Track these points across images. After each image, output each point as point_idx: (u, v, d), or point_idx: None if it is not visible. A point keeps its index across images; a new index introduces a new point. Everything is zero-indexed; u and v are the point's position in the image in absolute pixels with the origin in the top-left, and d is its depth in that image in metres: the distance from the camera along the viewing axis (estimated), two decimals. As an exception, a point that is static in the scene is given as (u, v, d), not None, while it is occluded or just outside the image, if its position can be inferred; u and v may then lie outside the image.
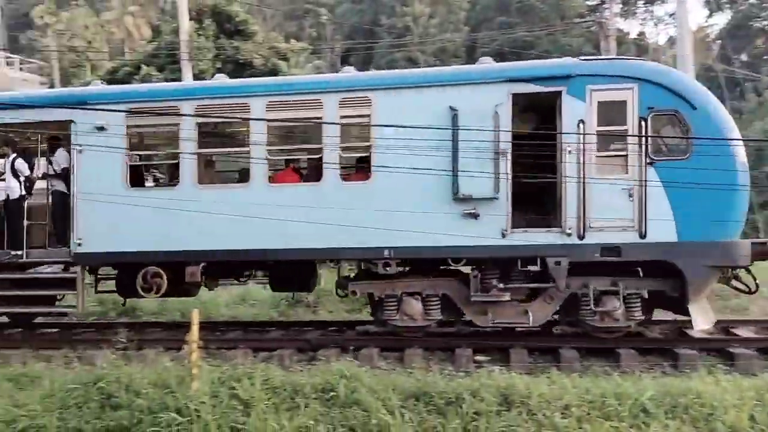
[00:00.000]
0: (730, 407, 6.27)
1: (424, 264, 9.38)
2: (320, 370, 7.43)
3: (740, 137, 8.74)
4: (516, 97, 8.76)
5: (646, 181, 8.39)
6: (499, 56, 12.91)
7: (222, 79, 10.37)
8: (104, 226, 9.52)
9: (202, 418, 6.35)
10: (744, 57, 42.14)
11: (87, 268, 10.09)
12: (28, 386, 7.51)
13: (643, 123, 8.44)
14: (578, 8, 40.64)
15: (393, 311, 9.25)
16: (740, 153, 8.50)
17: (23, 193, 10.36)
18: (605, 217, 8.48)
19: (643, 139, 8.38)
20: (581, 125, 8.49)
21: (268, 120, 9.18)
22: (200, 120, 9.45)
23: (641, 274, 8.98)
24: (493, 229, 8.69)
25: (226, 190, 9.68)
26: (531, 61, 10.35)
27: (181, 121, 9.41)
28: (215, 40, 23.36)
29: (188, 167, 9.45)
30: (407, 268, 9.48)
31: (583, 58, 9.04)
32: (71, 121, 9.63)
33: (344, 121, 9.10)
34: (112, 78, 22.79)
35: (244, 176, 9.71)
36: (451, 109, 8.73)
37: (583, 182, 8.46)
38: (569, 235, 8.57)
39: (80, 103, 9.65)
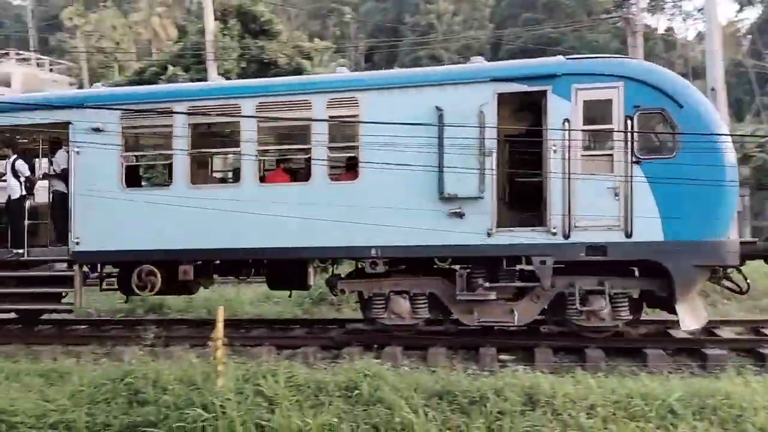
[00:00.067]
0: (760, 408, 6.15)
1: (412, 263, 9.44)
2: (344, 368, 7.45)
3: (728, 136, 8.65)
4: (501, 96, 8.77)
5: (632, 179, 8.33)
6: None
7: (215, 81, 10.62)
8: (100, 226, 9.76)
9: (228, 415, 6.40)
10: (775, 52, 41.26)
11: (89, 266, 10.38)
12: (58, 382, 7.67)
13: (629, 121, 8.38)
14: (605, 4, 40.11)
15: (381, 310, 9.31)
16: (728, 151, 8.39)
17: (24, 193, 10.69)
18: (591, 216, 8.41)
19: (629, 137, 8.33)
20: (566, 124, 8.48)
21: (255, 116, 9.29)
22: (192, 121, 9.64)
23: (636, 273, 8.93)
24: (478, 228, 8.69)
25: (218, 190, 9.87)
26: (516, 61, 10.41)
27: (174, 122, 9.61)
28: (240, 39, 23.55)
29: (181, 167, 9.64)
30: (402, 267, 9.53)
31: (569, 57, 9.02)
32: (69, 123, 9.88)
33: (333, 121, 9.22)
34: (139, 78, 23.10)
35: (235, 176, 9.91)
36: (437, 109, 8.76)
37: (569, 181, 8.44)
38: (554, 234, 8.54)
39: (78, 105, 9.91)
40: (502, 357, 8.77)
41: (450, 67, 10.61)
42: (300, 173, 10.13)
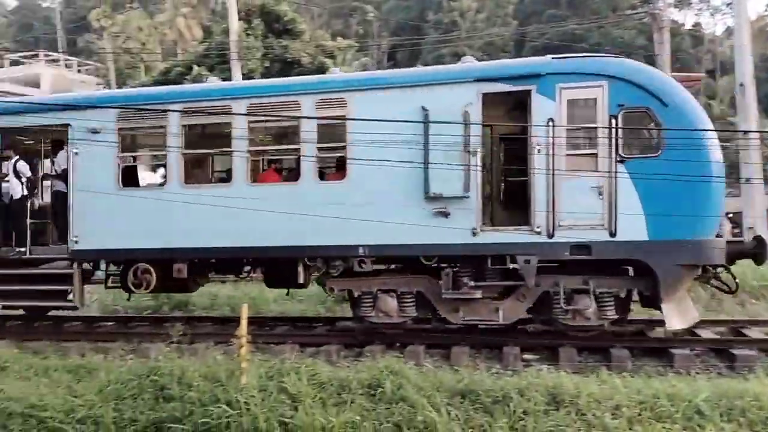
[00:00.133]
0: (791, 411, 6.04)
1: (399, 262, 9.47)
2: (366, 366, 7.47)
3: (713, 134, 8.48)
4: (486, 96, 8.74)
5: (616, 178, 8.25)
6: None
7: (211, 83, 10.94)
8: (97, 225, 9.94)
9: (251, 411, 6.46)
10: (807, 46, 40.43)
11: (92, 263, 10.59)
12: (86, 377, 7.81)
13: (613, 120, 8.30)
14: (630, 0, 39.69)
15: (369, 308, 9.35)
16: (714, 149, 8.26)
17: (25, 193, 10.96)
18: (575, 215, 8.35)
19: (614, 136, 8.25)
20: (551, 123, 8.43)
21: (244, 114, 9.40)
22: (186, 122, 9.78)
23: (625, 272, 8.84)
24: (463, 227, 8.68)
25: (210, 190, 9.95)
26: (501, 60, 10.49)
27: (168, 123, 9.73)
28: (264, 39, 23.75)
29: (175, 167, 9.77)
30: (393, 266, 9.58)
31: (554, 56, 8.95)
32: (68, 125, 10.07)
33: (321, 122, 9.27)
34: (165, 78, 23.40)
35: (227, 176, 10.04)
36: (423, 109, 8.77)
37: (553, 180, 8.40)
38: (539, 233, 8.49)
39: (76, 107, 10.11)
40: (526, 356, 8.72)
41: (436, 68, 10.70)
42: (290, 173, 10.26)
